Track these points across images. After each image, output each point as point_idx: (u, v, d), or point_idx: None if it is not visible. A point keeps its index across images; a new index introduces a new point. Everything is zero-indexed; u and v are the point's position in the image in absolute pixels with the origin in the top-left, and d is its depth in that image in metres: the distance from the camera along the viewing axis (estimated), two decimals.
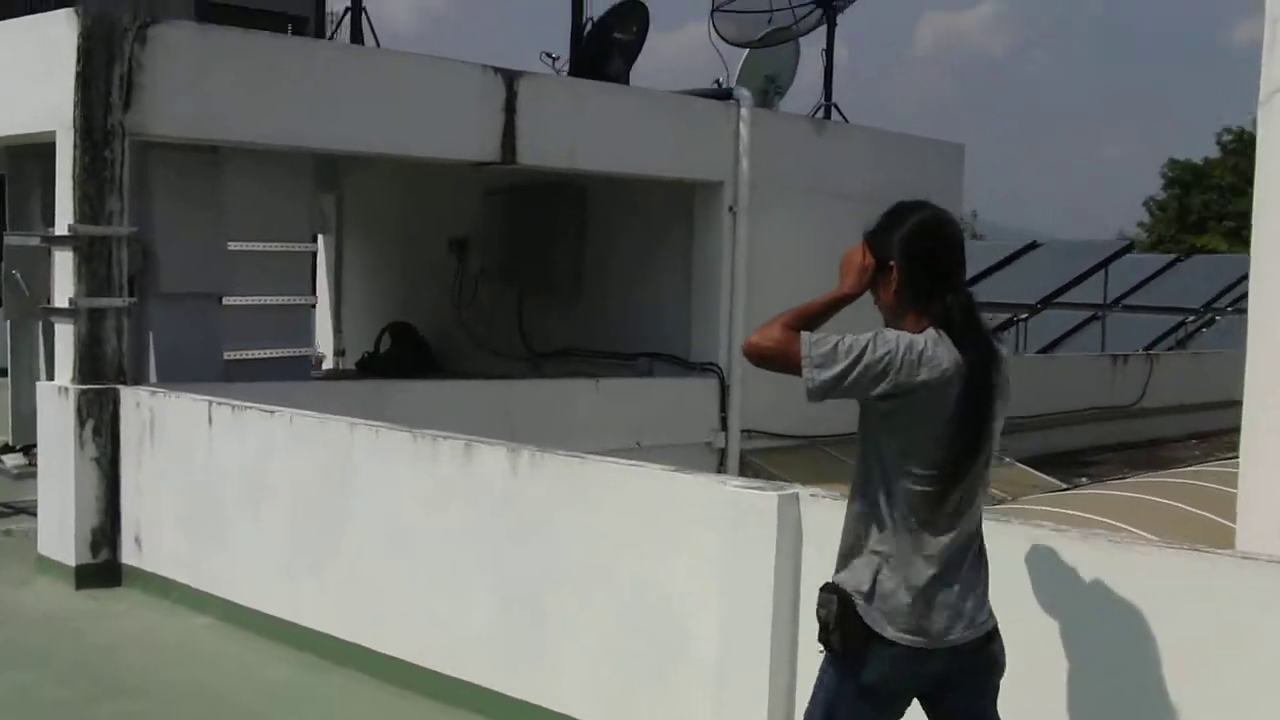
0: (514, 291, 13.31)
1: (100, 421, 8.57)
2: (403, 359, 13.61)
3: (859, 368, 3.44)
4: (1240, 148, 46.72)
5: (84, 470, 8.51)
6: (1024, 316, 17.87)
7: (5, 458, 10.79)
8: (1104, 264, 18.95)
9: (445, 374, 13.24)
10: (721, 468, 12.08)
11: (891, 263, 3.58)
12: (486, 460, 6.35)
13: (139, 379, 8.86)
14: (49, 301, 8.92)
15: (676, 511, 5.63)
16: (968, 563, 3.62)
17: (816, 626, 3.62)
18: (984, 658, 3.67)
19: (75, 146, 8.55)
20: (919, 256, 3.56)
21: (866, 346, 3.46)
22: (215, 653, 7.32)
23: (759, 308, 11.93)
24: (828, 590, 3.61)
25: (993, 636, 3.69)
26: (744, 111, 12.00)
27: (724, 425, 12.11)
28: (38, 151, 10.10)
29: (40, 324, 10.43)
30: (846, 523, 3.68)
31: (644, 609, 5.70)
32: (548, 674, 6.03)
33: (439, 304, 13.84)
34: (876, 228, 3.67)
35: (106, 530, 8.58)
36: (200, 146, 9.64)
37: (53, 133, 8.74)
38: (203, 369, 9.57)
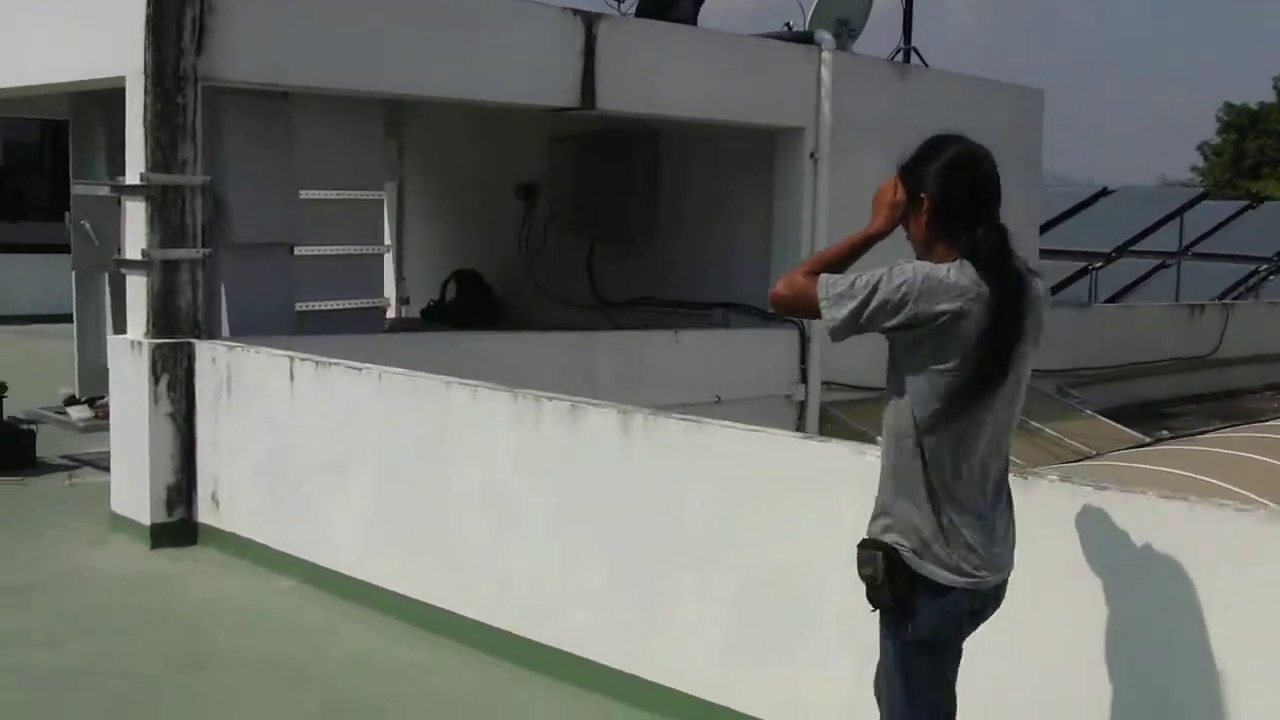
0: (584, 239, 12.93)
1: (175, 377, 8.26)
2: (469, 308, 13.28)
3: (876, 300, 3.38)
4: None
5: (158, 426, 8.21)
6: (1098, 265, 17.33)
7: (71, 410, 10.52)
8: (1179, 212, 18.37)
9: (511, 323, 12.89)
10: (801, 421, 11.72)
11: (924, 195, 3.52)
12: (596, 423, 5.99)
13: (211, 332, 8.52)
14: (119, 253, 8.59)
15: (806, 478, 5.26)
16: (1001, 504, 3.59)
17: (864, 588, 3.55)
18: (999, 597, 3.65)
19: (146, 93, 8.19)
20: (952, 189, 3.50)
21: (881, 278, 3.41)
22: (298, 620, 7.01)
23: None
24: (868, 546, 3.53)
25: (1005, 585, 3.66)
26: (825, 55, 11.53)
27: (803, 377, 11.71)
28: (102, 98, 9.80)
29: (107, 275, 10.13)
30: (883, 471, 3.60)
31: (770, 580, 5.34)
32: (665, 648, 5.69)
33: (505, 252, 13.48)
34: (910, 161, 3.61)
35: (182, 488, 8.29)
36: (270, 92, 9.27)
37: (121, 78, 8.38)
38: (275, 321, 9.25)
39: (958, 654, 3.64)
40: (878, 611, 3.56)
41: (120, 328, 9.86)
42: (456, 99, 9.77)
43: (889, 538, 3.50)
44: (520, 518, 6.29)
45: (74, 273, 10.24)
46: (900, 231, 3.68)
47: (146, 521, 8.18)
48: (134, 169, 8.29)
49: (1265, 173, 45.73)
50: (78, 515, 8.90)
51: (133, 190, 8.30)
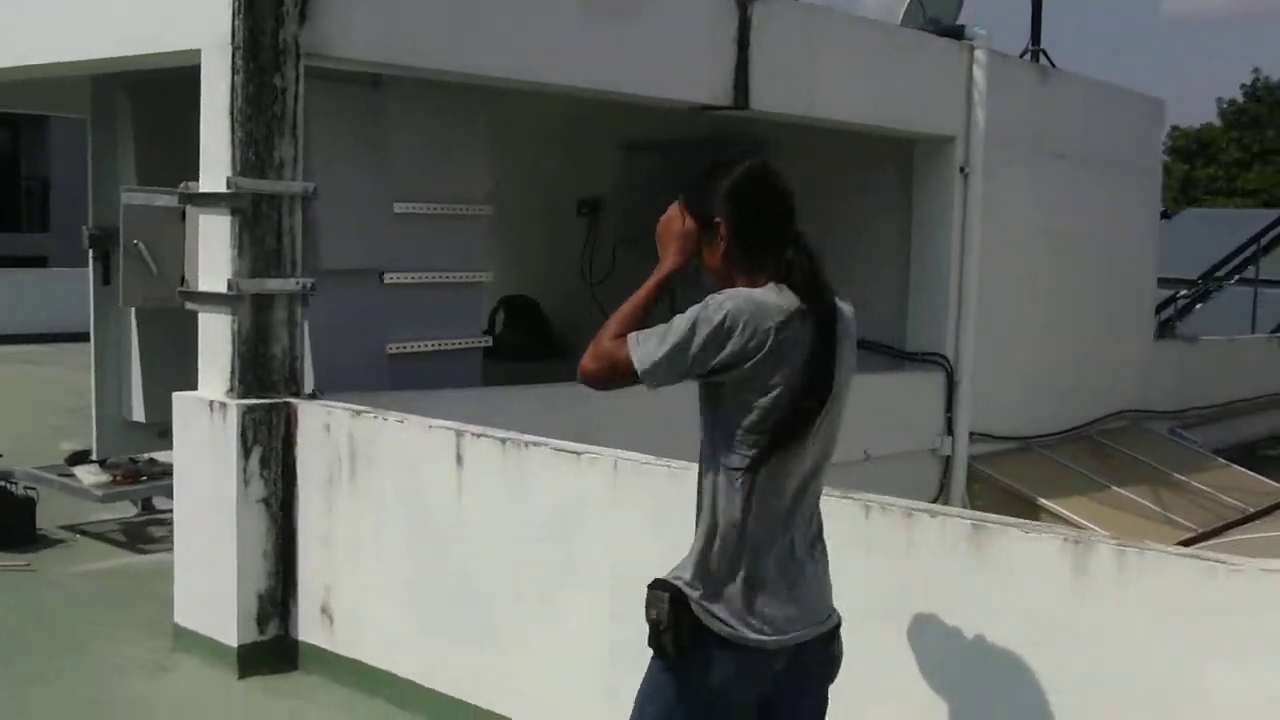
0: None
1: (270, 449, 6.06)
2: (521, 340, 11.14)
3: (699, 336, 2.98)
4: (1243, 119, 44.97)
5: (248, 516, 6.01)
6: (1186, 292, 15.61)
7: (80, 471, 8.23)
8: (1263, 234, 16.70)
9: (573, 359, 10.74)
10: (946, 478, 9.75)
11: (717, 220, 3.14)
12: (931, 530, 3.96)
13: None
14: (185, 283, 6.38)
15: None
16: (815, 548, 3.21)
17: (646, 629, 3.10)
18: (825, 657, 3.23)
19: (235, 71, 6.00)
20: (747, 209, 3.13)
21: (699, 314, 3.00)
22: None
23: (994, 287, 9.60)
24: (657, 587, 3.13)
25: (834, 634, 3.25)
26: (979, 54, 9.58)
27: (949, 428, 9.74)
28: (131, 84, 7.59)
29: (131, 312, 7.89)
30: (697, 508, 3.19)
31: None
32: None
33: (564, 276, 11.34)
34: (694, 184, 3.21)
35: (277, 597, 6.10)
36: (360, 78, 7.12)
37: (194, 52, 6.19)
38: (368, 369, 7.11)
39: (747, 716, 3.16)
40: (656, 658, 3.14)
41: (156, 373, 7.68)
42: (593, 90, 7.62)
43: (680, 579, 3.12)
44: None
45: (92, 304, 7.93)
46: None
47: (231, 641, 5.97)
48: (214, 172, 6.09)
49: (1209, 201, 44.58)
50: (120, 620, 6.69)
51: (213, 201, 6.10)
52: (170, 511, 8.77)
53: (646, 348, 3.03)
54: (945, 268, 9.57)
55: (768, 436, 3.02)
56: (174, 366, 7.86)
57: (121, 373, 7.85)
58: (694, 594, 3.08)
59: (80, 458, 8.46)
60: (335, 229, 6.89)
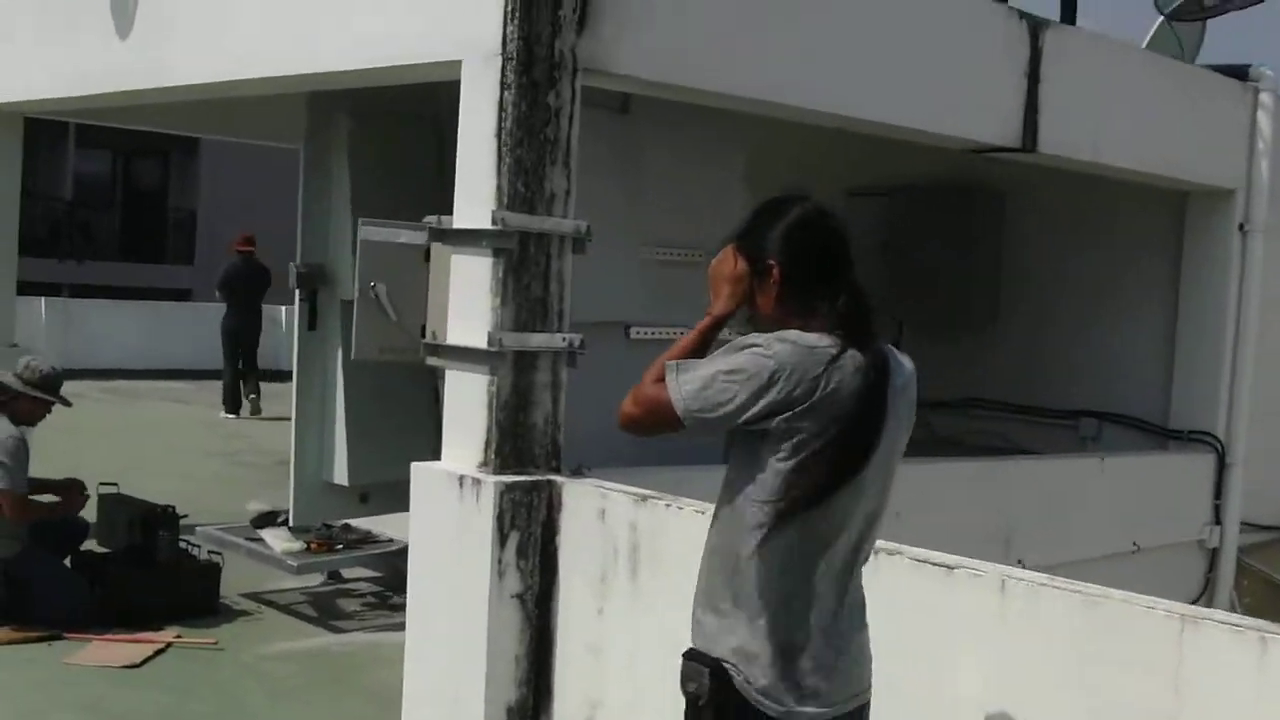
0: (889, 321, 9.67)
1: (527, 536, 4.97)
2: None
3: (742, 383, 2.77)
4: None
5: (501, 613, 4.92)
6: None
7: (271, 536, 7.22)
8: None
9: None
10: (1211, 574, 8.46)
11: (771, 262, 2.93)
12: None
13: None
14: (429, 334, 5.33)
15: None
16: (852, 620, 2.95)
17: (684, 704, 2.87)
18: None
19: (505, 86, 4.96)
20: (802, 252, 2.94)
21: (744, 357, 2.79)
22: None
23: (1273, 359, 8.32)
24: (694, 659, 2.89)
25: (867, 706, 2.99)
26: (1264, 98, 8.35)
27: (1217, 516, 8.45)
28: (348, 104, 6.62)
29: (338, 358, 6.87)
30: (710, 570, 2.95)
31: None
32: None
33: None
34: (747, 227, 3.01)
35: (528, 711, 5.00)
36: (609, 100, 6.07)
37: (457, 64, 5.17)
38: (616, 437, 5.96)
39: None
40: None
41: (364, 432, 6.66)
42: (868, 121, 6.49)
43: (718, 652, 2.85)
44: None
45: (295, 351, 6.91)
46: None
47: None
48: (474, 205, 5.05)
49: None
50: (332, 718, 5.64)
51: (472, 239, 5.05)
52: (359, 582, 7.81)
53: (688, 390, 2.83)
54: (1219, 336, 8.31)
55: (809, 491, 2.79)
56: (381, 425, 6.86)
57: (324, 429, 6.83)
58: (736, 667, 2.84)
59: (267, 520, 7.45)
60: (583, 275, 5.81)
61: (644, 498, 4.76)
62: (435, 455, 6.48)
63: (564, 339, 5.16)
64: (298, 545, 7.13)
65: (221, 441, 13.32)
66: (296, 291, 6.75)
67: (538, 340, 5.06)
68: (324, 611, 7.27)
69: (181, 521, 7.12)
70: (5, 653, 6.21)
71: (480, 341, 4.98)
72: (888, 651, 3.98)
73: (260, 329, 15.85)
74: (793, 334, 2.83)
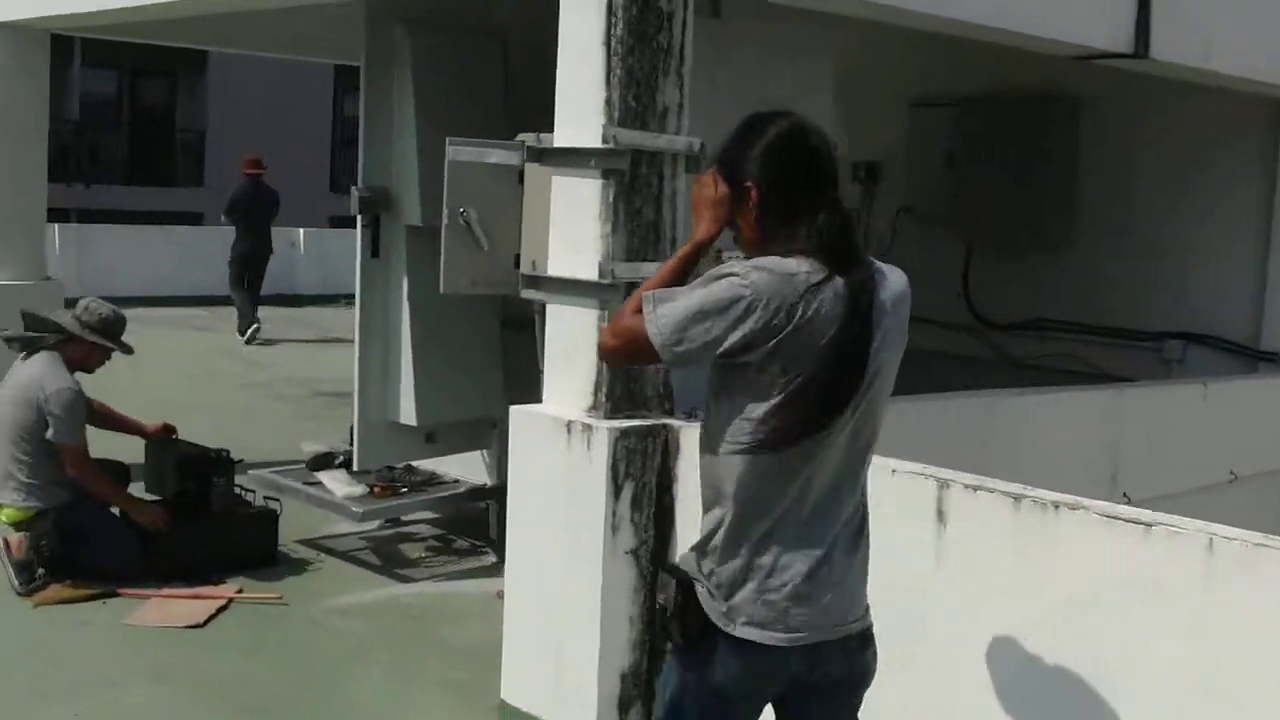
0: (955, 240, 9.17)
1: (641, 486, 4.48)
2: None
3: (717, 312, 2.64)
4: None
5: (615, 571, 4.44)
6: None
7: (331, 480, 6.73)
8: None
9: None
10: None
11: (749, 184, 2.77)
12: None
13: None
14: (526, 263, 4.78)
15: None
16: (854, 543, 2.83)
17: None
18: (851, 663, 2.86)
19: None
20: (780, 171, 2.76)
21: (717, 284, 2.65)
22: None
23: None
24: (668, 570, 2.90)
25: (866, 639, 2.88)
26: None
27: None
28: (405, 9, 6.04)
29: (403, 289, 6.34)
30: (702, 484, 2.87)
31: None
32: None
33: None
34: (727, 147, 2.85)
35: (643, 676, 4.53)
36: (700, 4, 5.46)
37: None
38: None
39: (753, 715, 2.88)
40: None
41: (432, 370, 6.16)
42: (961, 23, 5.90)
43: (689, 566, 2.84)
44: None
45: (358, 281, 6.35)
46: None
47: None
48: (579, 121, 4.50)
49: None
50: (411, 681, 5.20)
51: (578, 159, 4.50)
52: (418, 525, 7.33)
53: (664, 323, 2.70)
54: None
55: (792, 417, 2.67)
56: (450, 361, 6.35)
57: (389, 366, 6.29)
58: (700, 582, 2.80)
59: (324, 461, 6.95)
60: None
61: None
62: (508, 393, 6.01)
63: None
64: (360, 489, 6.64)
65: (248, 370, 12.80)
66: (359, 218, 6.18)
67: (651, 270, 4.52)
68: (386, 559, 6.80)
69: (236, 465, 6.62)
70: (60, 612, 5.73)
71: (589, 273, 4.46)
72: (1072, 622, 3.54)
73: (270, 254, 15.38)
74: (770, 261, 2.68)
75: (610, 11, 4.40)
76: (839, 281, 2.67)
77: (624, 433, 4.42)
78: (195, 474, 6.50)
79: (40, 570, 5.97)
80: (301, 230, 19.24)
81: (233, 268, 14.92)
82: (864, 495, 2.88)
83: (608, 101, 4.42)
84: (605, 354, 2.97)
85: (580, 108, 4.49)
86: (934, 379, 5.68)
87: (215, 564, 6.30)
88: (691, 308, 2.67)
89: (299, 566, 6.55)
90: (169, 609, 5.79)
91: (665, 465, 4.53)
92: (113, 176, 25.58)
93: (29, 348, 6.10)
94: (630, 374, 4.55)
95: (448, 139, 5.00)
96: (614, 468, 4.39)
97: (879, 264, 2.83)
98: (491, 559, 6.75)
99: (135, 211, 22.55)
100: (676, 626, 2.83)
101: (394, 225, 6.23)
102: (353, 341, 6.35)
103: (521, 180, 4.77)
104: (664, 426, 4.53)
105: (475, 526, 7.12)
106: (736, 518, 2.75)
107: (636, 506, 4.48)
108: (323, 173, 27.68)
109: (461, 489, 6.82)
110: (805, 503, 2.75)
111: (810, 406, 2.67)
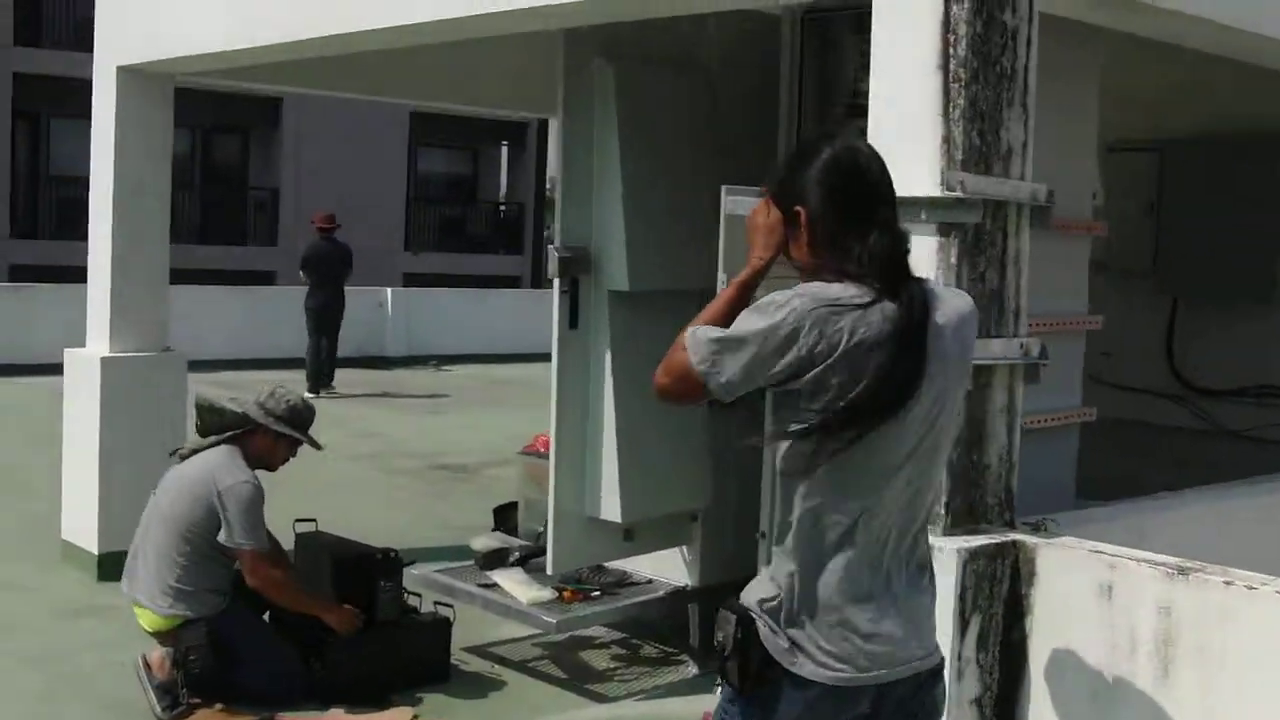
0: (1156, 293, 8.20)
1: (989, 620, 3.51)
2: None
3: (759, 342, 2.55)
4: None
5: None
6: None
7: (509, 581, 5.79)
8: None
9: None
10: None
11: (798, 209, 2.68)
12: None
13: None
14: None
15: None
16: (916, 580, 2.71)
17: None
18: (922, 700, 2.72)
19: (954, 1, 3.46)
20: (829, 197, 2.66)
21: (760, 314, 2.58)
22: None
23: None
24: (727, 608, 2.70)
25: (936, 676, 2.75)
26: None
27: None
28: (605, 40, 5.18)
29: (605, 364, 5.40)
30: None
31: None
32: None
33: None
34: (779, 173, 2.78)
35: None
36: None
37: None
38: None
39: None
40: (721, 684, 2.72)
41: (637, 457, 5.24)
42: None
43: (750, 601, 2.67)
44: None
45: (555, 353, 5.40)
46: None
47: None
48: (905, 163, 3.54)
49: None
50: None
51: (905, 210, 3.54)
52: (594, 629, 6.35)
53: (707, 353, 2.61)
54: None
55: (836, 444, 2.54)
56: (656, 449, 5.41)
57: (589, 454, 5.35)
58: (763, 619, 2.63)
59: (498, 559, 6.00)
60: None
61: (1182, 570, 3.27)
62: (718, 485, 5.09)
63: (1021, 346, 3.66)
64: (546, 593, 5.69)
65: (356, 440, 11.88)
66: (555, 281, 5.25)
67: (996, 348, 3.58)
68: (572, 672, 5.84)
69: (405, 566, 5.69)
70: None
71: None
72: None
73: (343, 310, 14.96)
74: (813, 287, 2.60)
75: (948, 27, 3.48)
76: (887, 304, 2.55)
77: (973, 554, 3.45)
78: (358, 577, 5.56)
79: (183, 690, 5.06)
80: (389, 290, 18.39)
81: (308, 321, 14.82)
82: (927, 528, 2.76)
83: (946, 139, 3.48)
84: (657, 392, 2.81)
85: (905, 148, 3.54)
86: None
87: (382, 680, 5.37)
88: (734, 338, 2.60)
89: (476, 683, 5.62)
90: None
91: (1015, 593, 3.56)
92: (186, 235, 24.91)
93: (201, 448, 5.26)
94: (971, 478, 3.59)
95: (724, 187, 4.08)
96: (961, 598, 3.43)
97: (937, 286, 2.73)
98: (692, 670, 5.81)
99: (206, 270, 21.87)
100: (735, 666, 2.65)
101: (596, 291, 5.31)
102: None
103: None
104: (1014, 544, 3.57)
105: (661, 630, 6.18)
106: (803, 553, 2.64)
107: (982, 646, 3.50)
108: (397, 230, 26.97)
109: (660, 592, 5.86)
110: (863, 534, 2.62)
111: (854, 426, 2.55)
